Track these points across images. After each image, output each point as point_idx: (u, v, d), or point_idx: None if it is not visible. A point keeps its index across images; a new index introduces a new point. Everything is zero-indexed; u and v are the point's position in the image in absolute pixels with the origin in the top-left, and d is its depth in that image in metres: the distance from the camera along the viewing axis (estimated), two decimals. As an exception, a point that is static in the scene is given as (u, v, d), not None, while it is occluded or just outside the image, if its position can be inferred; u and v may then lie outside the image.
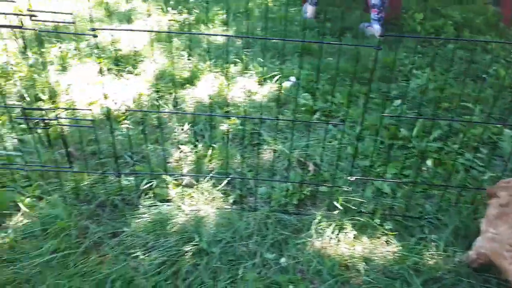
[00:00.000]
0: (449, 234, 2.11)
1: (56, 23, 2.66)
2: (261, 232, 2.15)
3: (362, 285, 1.90)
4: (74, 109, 2.19)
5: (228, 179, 2.41)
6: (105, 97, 3.03)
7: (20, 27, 2.06)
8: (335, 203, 2.25)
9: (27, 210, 2.20)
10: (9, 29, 3.55)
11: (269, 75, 3.47)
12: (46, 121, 2.49)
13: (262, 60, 3.67)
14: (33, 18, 1.87)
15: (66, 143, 2.36)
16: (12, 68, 3.29)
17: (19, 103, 2.95)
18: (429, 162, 2.60)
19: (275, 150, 2.70)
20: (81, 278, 1.88)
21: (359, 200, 2.28)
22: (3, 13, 2.01)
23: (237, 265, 1.98)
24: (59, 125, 2.31)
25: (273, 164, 2.55)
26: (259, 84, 3.41)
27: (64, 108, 2.90)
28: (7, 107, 2.72)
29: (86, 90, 3.17)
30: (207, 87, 3.30)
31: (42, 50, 3.53)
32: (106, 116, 2.88)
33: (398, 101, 3.13)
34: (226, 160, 2.51)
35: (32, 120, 2.68)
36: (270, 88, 3.36)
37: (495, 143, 2.79)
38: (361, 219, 2.18)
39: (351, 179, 2.28)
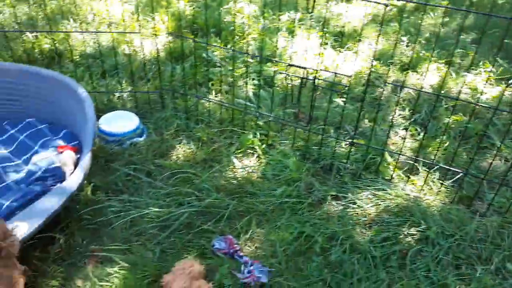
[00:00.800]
0: None
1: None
2: (495, 240, 1.98)
3: None
4: (335, 73, 2.30)
5: (460, 175, 2.27)
6: (326, 69, 3.15)
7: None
8: None
9: (261, 154, 2.47)
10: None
11: (502, 76, 3.12)
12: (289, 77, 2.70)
13: (497, 58, 3.31)
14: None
15: (298, 102, 2.54)
16: (247, 29, 3.67)
17: (251, 60, 3.29)
18: None
19: (506, 158, 2.44)
20: (312, 227, 2.03)
21: None
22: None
23: (466, 265, 1.88)
24: (315, 86, 2.48)
25: (506, 174, 2.32)
26: (489, 84, 3.10)
27: (320, 70, 3.12)
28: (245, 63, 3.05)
29: (307, 59, 3.35)
30: (430, 76, 3.15)
31: (273, 16, 3.84)
32: (329, 85, 3.00)
33: None
34: (453, 155, 2.37)
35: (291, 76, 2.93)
36: (501, 90, 3.02)
37: None
38: None
39: None
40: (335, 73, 2.35)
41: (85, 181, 2.11)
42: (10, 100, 2.53)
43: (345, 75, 2.39)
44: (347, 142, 2.46)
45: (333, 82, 2.43)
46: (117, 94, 2.85)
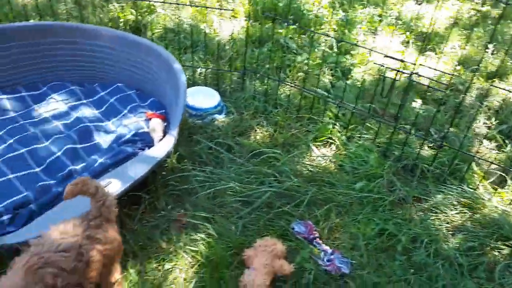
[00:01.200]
0: None
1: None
2: None
3: None
4: (435, 69, 2.20)
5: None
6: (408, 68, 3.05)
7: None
8: None
9: (340, 145, 2.43)
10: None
11: None
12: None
13: None
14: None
15: (389, 95, 2.45)
16: (324, 19, 3.61)
17: (330, 51, 3.23)
18: None
19: None
20: (394, 226, 1.98)
21: None
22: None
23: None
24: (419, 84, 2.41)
25: None
26: None
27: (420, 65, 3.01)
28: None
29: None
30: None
31: (350, 9, 3.76)
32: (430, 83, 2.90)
33: None
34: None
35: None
36: None
37: None
38: None
39: None
40: (435, 69, 2.25)
41: (172, 150, 2.15)
42: (102, 64, 2.62)
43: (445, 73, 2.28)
44: (435, 144, 2.37)
45: (432, 79, 2.33)
46: (199, 70, 2.89)
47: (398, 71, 2.19)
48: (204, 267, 1.75)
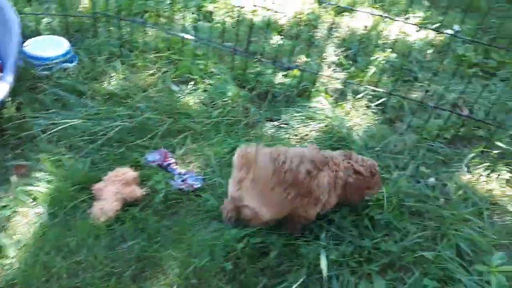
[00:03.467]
0: None
1: None
2: (411, 152, 2.18)
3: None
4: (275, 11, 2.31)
5: (383, 99, 2.44)
6: (266, 9, 3.18)
7: None
8: (497, 142, 2.19)
9: (199, 80, 2.47)
10: None
11: (430, 21, 3.34)
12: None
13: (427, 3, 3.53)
14: None
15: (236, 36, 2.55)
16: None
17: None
18: None
19: (427, 90, 2.65)
20: (246, 143, 2.10)
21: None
22: None
23: (384, 171, 2.05)
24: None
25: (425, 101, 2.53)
26: (418, 28, 3.30)
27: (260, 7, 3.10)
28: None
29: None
30: (364, 19, 3.29)
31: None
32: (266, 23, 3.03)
33: None
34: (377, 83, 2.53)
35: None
36: (427, 34, 3.24)
37: None
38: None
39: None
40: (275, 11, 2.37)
41: (10, 99, 1.99)
42: None
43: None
44: (285, 70, 2.53)
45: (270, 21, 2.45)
46: (45, 20, 2.67)
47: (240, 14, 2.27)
48: (49, 206, 1.69)
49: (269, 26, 2.98)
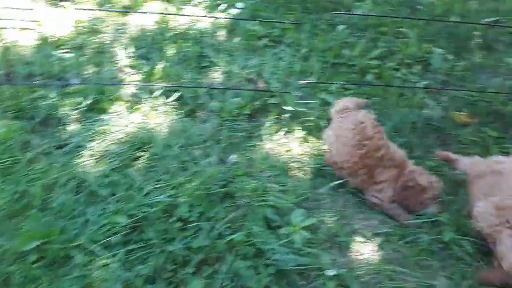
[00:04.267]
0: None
1: None
2: (215, 137, 2.19)
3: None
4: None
5: (180, 93, 2.39)
6: (39, 24, 2.82)
7: None
8: (284, 107, 2.34)
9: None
10: None
11: (215, 3, 3.41)
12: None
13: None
14: None
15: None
16: None
17: None
18: (369, 77, 2.75)
19: (225, 71, 2.70)
20: (28, 183, 1.81)
21: (306, 109, 2.38)
22: None
23: (192, 163, 2.01)
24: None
25: (224, 82, 2.57)
26: (207, 12, 3.34)
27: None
28: None
29: (16, 15, 2.92)
30: (151, 14, 3.18)
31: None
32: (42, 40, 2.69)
33: (342, 26, 3.23)
34: (176, 77, 2.48)
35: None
36: (216, 15, 3.30)
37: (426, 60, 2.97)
38: (309, 123, 2.28)
39: (302, 82, 2.37)
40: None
41: None
42: None
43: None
44: (60, 88, 2.27)
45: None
46: None
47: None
48: None
49: (45, 42, 2.65)
